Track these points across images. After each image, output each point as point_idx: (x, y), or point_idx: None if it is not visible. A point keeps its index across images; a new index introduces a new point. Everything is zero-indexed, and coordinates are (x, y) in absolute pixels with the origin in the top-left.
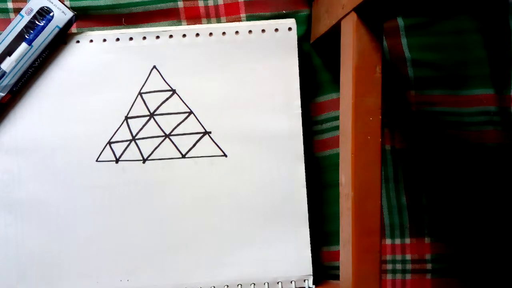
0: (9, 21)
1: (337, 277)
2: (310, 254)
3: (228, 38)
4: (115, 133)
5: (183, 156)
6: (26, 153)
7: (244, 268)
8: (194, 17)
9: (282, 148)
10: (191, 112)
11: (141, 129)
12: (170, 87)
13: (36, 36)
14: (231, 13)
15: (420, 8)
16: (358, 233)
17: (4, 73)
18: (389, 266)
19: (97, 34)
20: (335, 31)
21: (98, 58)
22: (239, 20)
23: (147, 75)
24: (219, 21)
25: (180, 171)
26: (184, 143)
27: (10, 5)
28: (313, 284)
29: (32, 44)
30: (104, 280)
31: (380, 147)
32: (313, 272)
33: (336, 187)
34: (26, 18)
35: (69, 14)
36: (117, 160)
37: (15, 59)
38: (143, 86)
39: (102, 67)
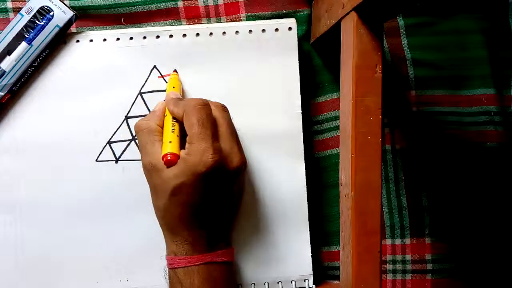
0: (8, 20)
1: (337, 277)
2: (310, 254)
3: (228, 38)
4: (115, 133)
5: None
6: (26, 153)
7: (243, 268)
8: (194, 16)
9: (282, 148)
10: None
11: None
12: None
13: (36, 35)
14: (231, 13)
15: (420, 8)
16: (358, 233)
17: (3, 72)
18: (389, 267)
19: (97, 34)
20: (335, 31)
21: (98, 58)
22: (239, 19)
23: (148, 74)
24: (219, 21)
25: None
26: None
27: (9, 4)
28: (313, 284)
29: (32, 43)
30: (104, 280)
31: (380, 147)
32: (313, 272)
33: (336, 187)
34: (26, 17)
35: (69, 13)
36: (117, 160)
37: (14, 58)
38: (143, 85)
39: (102, 67)
